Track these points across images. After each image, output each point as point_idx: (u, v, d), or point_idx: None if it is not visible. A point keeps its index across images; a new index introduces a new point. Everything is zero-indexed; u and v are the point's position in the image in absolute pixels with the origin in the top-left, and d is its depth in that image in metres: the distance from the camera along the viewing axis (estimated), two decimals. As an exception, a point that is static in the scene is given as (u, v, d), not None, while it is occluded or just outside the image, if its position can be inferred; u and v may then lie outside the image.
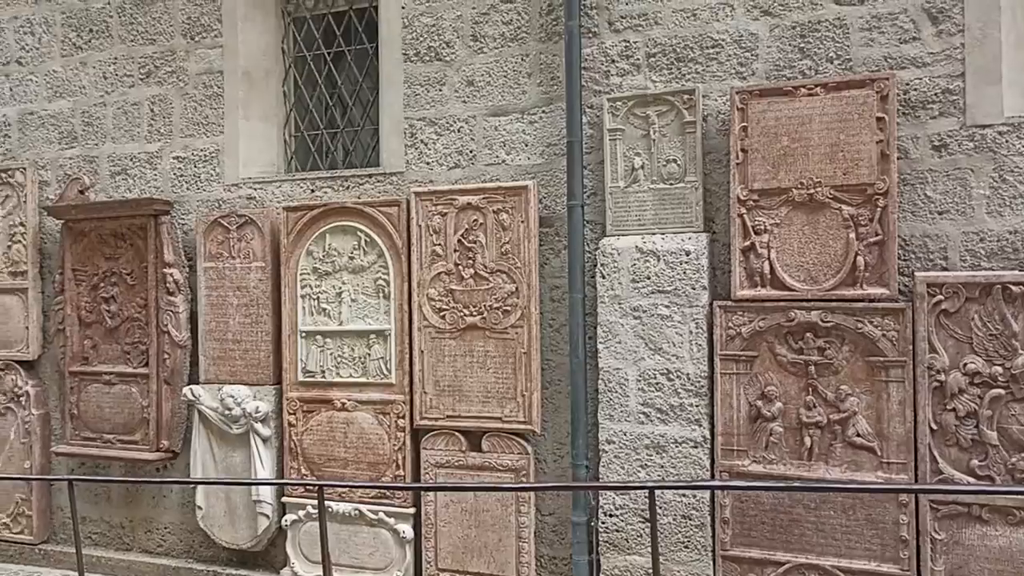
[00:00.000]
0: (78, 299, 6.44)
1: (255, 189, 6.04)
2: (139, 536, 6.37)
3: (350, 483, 4.98)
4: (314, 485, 4.84)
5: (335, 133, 6.22)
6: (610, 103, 5.01)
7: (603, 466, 4.92)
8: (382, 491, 5.42)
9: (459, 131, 5.48)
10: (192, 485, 6.06)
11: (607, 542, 4.90)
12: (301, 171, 6.22)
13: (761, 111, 4.65)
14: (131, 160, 6.41)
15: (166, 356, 6.11)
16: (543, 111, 5.28)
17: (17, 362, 6.65)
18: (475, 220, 5.25)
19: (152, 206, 6.06)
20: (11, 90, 6.81)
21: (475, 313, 5.26)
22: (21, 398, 6.62)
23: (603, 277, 4.93)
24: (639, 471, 4.83)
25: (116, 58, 6.44)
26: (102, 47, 6.49)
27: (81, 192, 6.41)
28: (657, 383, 4.79)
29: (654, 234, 4.88)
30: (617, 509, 4.87)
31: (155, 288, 6.13)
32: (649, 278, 4.82)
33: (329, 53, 6.20)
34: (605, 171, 5.01)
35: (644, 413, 4.82)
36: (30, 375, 6.66)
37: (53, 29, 6.65)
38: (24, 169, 6.61)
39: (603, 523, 4.91)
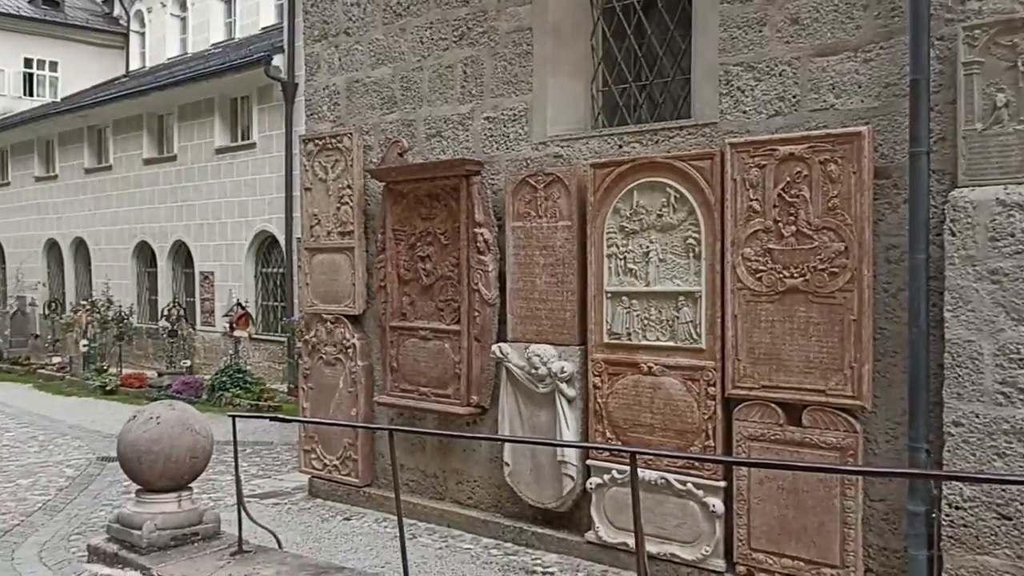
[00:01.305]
0: (397, 258, 6.75)
1: (562, 147, 5.94)
2: (451, 487, 6.61)
3: (664, 452, 4.76)
4: (625, 452, 4.68)
5: (643, 86, 5.96)
6: (966, 32, 4.29)
7: (948, 451, 4.29)
8: (691, 461, 5.14)
9: (780, 75, 4.99)
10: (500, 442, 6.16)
11: (951, 537, 4.28)
12: (608, 127, 6.03)
13: None
14: (444, 122, 6.57)
15: (476, 314, 6.23)
16: (880, 47, 4.66)
17: (345, 316, 7.13)
18: (798, 172, 4.77)
19: (464, 167, 6.18)
20: (340, 60, 7.25)
21: (796, 275, 4.80)
22: (348, 350, 7.10)
23: (953, 235, 4.27)
24: (993, 460, 4.15)
25: (432, 22, 6.61)
26: (419, 12, 6.69)
27: (400, 155, 6.69)
28: (1021, 359, 4.07)
29: (1021, 183, 4.13)
30: (965, 501, 4.23)
31: (467, 247, 6.26)
32: (1013, 235, 4.10)
33: (639, 2, 5.93)
34: (958, 112, 4.32)
35: (1003, 393, 4.12)
36: (356, 329, 7.12)
37: (376, -1, 6.97)
38: (351, 134, 7.02)
39: (947, 515, 4.29)
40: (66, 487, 8.13)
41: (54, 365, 19.99)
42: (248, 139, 18.19)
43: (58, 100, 30.66)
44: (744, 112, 5.12)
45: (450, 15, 6.50)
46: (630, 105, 6.01)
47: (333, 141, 7.15)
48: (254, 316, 17.39)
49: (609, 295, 5.53)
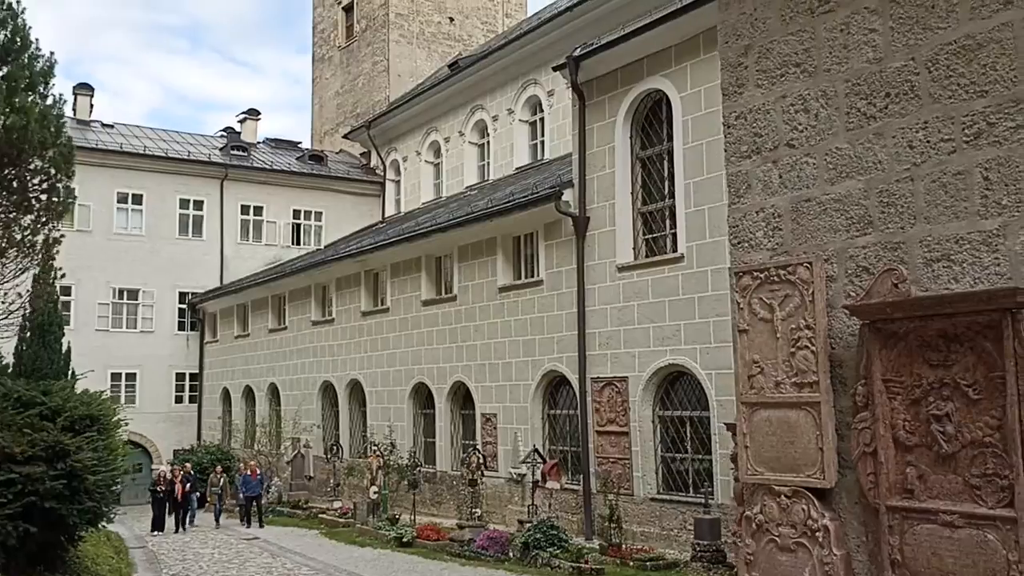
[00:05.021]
0: (892, 416, 5.28)
1: None
2: None
3: None
4: None
5: None
6: None
7: None
8: None
9: None
10: None
11: None
12: None
13: None
14: (956, 243, 5.16)
15: (1041, 495, 4.60)
16: None
17: (808, 489, 5.68)
18: None
19: (1014, 298, 4.70)
20: (780, 177, 6.07)
21: None
22: (816, 533, 5.60)
23: None
24: None
25: (926, 122, 5.31)
26: (904, 111, 5.42)
27: (895, 285, 5.30)
28: None
29: None
30: None
31: (1016, 405, 4.70)
32: None
33: None
34: None
35: None
36: (824, 506, 5.63)
37: (835, 101, 5.78)
38: (809, 264, 5.74)
39: None
40: None
41: (335, 510, 19.74)
42: (533, 276, 17.63)
43: (322, 247, 32.26)
44: None
45: (956, 111, 5.18)
46: None
47: (782, 273, 5.89)
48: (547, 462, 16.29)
49: None
